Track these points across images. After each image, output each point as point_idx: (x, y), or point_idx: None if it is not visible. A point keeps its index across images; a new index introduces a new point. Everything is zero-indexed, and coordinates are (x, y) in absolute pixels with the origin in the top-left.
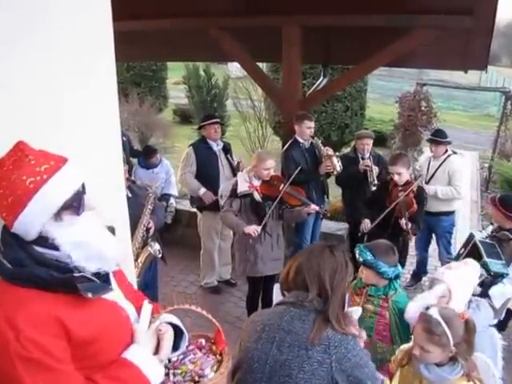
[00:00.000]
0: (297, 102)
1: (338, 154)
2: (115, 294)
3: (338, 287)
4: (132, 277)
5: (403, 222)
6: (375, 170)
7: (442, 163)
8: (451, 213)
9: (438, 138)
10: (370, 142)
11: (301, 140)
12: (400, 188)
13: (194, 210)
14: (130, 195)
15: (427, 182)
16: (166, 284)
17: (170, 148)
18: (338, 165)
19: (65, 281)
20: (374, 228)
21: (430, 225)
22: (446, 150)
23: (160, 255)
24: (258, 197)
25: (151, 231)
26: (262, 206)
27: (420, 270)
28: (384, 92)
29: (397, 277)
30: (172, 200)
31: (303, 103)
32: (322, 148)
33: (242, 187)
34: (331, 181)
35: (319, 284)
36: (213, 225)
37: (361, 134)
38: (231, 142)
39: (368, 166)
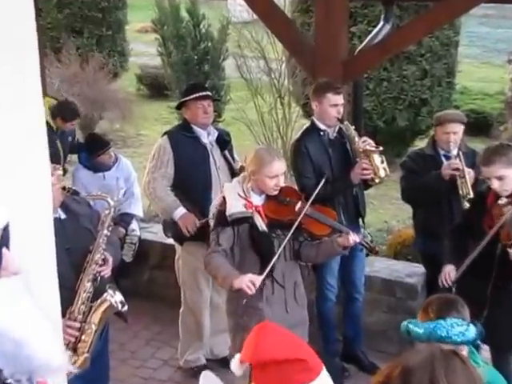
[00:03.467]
0: (339, 64)
1: (381, 148)
2: None
3: None
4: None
5: None
6: (469, 174)
7: None
8: None
9: None
10: (460, 129)
11: (321, 126)
12: (505, 201)
13: (170, 241)
14: (63, 217)
15: None
16: (122, 363)
17: (131, 139)
18: (381, 167)
19: None
20: (465, 275)
21: None
22: None
23: (124, 308)
24: (261, 223)
25: (107, 271)
26: (268, 238)
27: None
28: (489, 45)
29: (472, 342)
30: (134, 225)
31: (350, 66)
32: (357, 139)
33: (234, 207)
34: (378, 191)
35: None
36: (200, 265)
37: (445, 117)
38: (232, 129)
39: (458, 170)
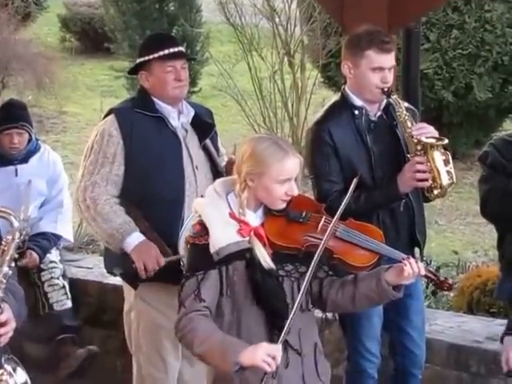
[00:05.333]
0: (383, 2)
1: (445, 141)
2: None
3: None
4: None
5: None
6: None
7: None
8: None
9: None
10: None
11: (357, 101)
12: None
13: (115, 280)
14: None
15: None
16: None
17: (51, 119)
18: (444, 171)
19: None
20: None
21: None
22: None
23: None
24: (265, 256)
25: (7, 335)
26: (277, 279)
27: None
28: None
29: None
30: (54, 255)
31: (399, 4)
32: (410, 125)
33: (224, 237)
34: (445, 203)
35: None
36: (165, 322)
37: None
38: (213, 104)
39: None
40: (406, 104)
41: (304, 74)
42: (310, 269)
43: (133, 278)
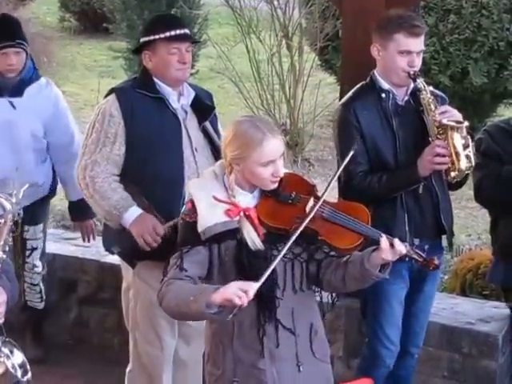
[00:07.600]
0: None
1: (466, 123)
2: None
3: None
4: None
5: None
6: None
7: None
8: None
9: None
10: None
11: (384, 84)
12: None
13: (112, 259)
14: None
15: None
16: None
17: None
18: (463, 154)
19: None
20: None
21: None
22: None
23: (27, 377)
24: (253, 237)
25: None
26: (266, 259)
27: None
28: None
29: None
30: (39, 227)
31: None
32: (433, 108)
33: (210, 217)
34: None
35: None
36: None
37: None
38: (210, 86)
39: None
40: (431, 88)
41: (302, 57)
42: (285, 248)
43: (130, 257)
